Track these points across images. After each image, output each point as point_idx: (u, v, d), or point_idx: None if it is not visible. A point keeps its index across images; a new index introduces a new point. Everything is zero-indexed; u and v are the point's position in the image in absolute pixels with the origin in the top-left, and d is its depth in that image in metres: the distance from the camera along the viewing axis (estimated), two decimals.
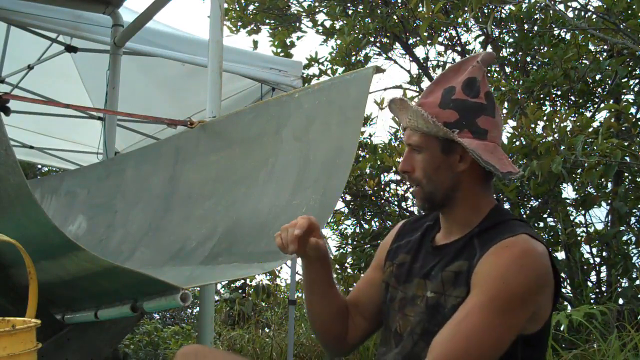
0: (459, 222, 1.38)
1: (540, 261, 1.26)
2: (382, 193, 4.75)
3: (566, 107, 3.89)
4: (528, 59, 4.26)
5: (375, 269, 1.57)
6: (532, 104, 3.42)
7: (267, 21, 5.40)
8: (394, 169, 4.38)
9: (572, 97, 3.97)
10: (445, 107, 1.34)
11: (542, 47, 3.94)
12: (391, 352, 1.39)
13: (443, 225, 1.43)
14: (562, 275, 3.66)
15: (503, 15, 4.26)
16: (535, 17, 4.03)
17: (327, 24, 5.18)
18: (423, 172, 1.36)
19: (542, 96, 3.75)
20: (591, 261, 3.66)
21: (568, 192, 3.92)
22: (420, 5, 3.85)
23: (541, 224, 3.86)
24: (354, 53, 4.72)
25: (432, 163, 1.35)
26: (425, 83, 4.96)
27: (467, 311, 1.22)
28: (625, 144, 3.04)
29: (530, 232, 1.30)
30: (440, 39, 4.64)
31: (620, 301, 3.24)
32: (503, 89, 3.72)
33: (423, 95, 1.39)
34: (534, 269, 1.24)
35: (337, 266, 4.71)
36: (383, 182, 4.66)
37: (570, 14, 3.60)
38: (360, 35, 4.68)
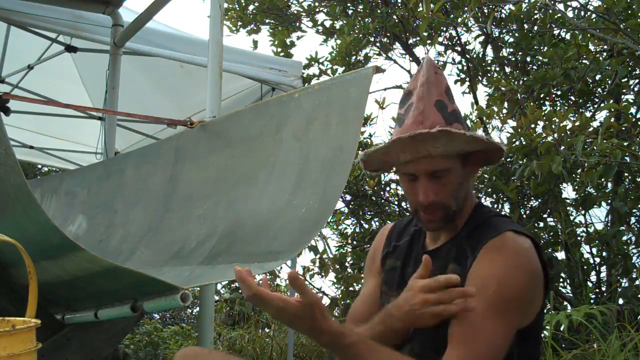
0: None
1: (530, 258, 1.28)
2: (382, 193, 4.75)
3: (566, 107, 3.89)
4: (528, 59, 4.25)
5: (372, 277, 1.55)
6: (531, 103, 3.42)
7: (267, 21, 5.39)
8: (394, 168, 4.36)
9: (572, 97, 3.97)
10: (451, 122, 1.32)
11: (542, 47, 3.94)
12: None
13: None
14: (562, 275, 3.65)
15: (503, 15, 4.26)
16: (535, 16, 4.03)
17: (327, 24, 5.19)
18: (450, 194, 1.33)
19: (542, 96, 3.75)
20: (591, 261, 3.66)
21: (568, 192, 3.93)
22: (420, 5, 3.85)
23: (541, 224, 3.85)
24: (354, 53, 4.72)
25: (456, 182, 1.34)
26: None
27: (472, 319, 1.22)
28: (625, 144, 3.04)
29: (514, 227, 1.32)
30: (440, 39, 4.64)
31: (620, 301, 3.24)
32: (503, 89, 3.72)
33: (416, 121, 1.31)
34: (527, 269, 1.27)
35: (337, 266, 4.71)
36: (383, 182, 4.66)
37: (570, 14, 3.60)
38: (360, 35, 4.68)
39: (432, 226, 1.37)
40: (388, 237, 1.55)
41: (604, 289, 3.61)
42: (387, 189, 4.78)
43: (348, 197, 4.81)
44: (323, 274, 4.86)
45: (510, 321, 1.24)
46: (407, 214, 4.74)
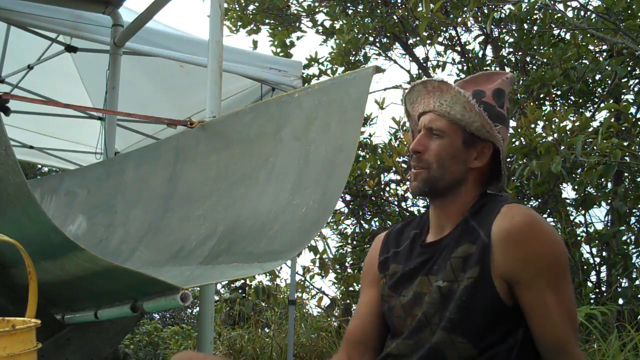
0: (451, 217, 1.39)
1: (542, 219, 1.34)
2: (382, 193, 4.75)
3: (566, 107, 3.89)
4: (528, 59, 4.26)
5: (370, 288, 1.53)
6: (531, 103, 3.42)
7: (267, 21, 5.40)
8: (394, 168, 4.38)
9: (572, 97, 3.97)
10: (494, 119, 1.37)
11: (541, 47, 3.95)
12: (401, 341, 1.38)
13: (434, 223, 1.43)
14: None
15: (503, 15, 4.27)
16: (535, 16, 4.03)
17: (327, 24, 5.19)
18: (437, 156, 1.37)
19: (541, 96, 3.76)
20: (591, 261, 3.66)
21: (568, 192, 3.93)
22: (419, 5, 3.85)
23: None
24: (353, 52, 4.73)
25: (449, 151, 1.37)
26: None
27: (552, 302, 1.26)
28: (625, 144, 3.04)
29: (511, 200, 1.39)
30: (440, 39, 4.65)
31: (620, 301, 3.24)
32: None
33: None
34: (548, 226, 1.32)
35: (337, 266, 4.72)
36: (383, 182, 4.67)
37: (570, 14, 3.60)
38: (360, 35, 4.69)
39: (414, 185, 1.41)
40: (383, 244, 1.54)
41: (604, 289, 3.62)
42: (387, 189, 4.78)
43: (348, 197, 4.81)
44: (323, 274, 4.86)
45: (569, 282, 1.30)
46: (407, 214, 4.74)
